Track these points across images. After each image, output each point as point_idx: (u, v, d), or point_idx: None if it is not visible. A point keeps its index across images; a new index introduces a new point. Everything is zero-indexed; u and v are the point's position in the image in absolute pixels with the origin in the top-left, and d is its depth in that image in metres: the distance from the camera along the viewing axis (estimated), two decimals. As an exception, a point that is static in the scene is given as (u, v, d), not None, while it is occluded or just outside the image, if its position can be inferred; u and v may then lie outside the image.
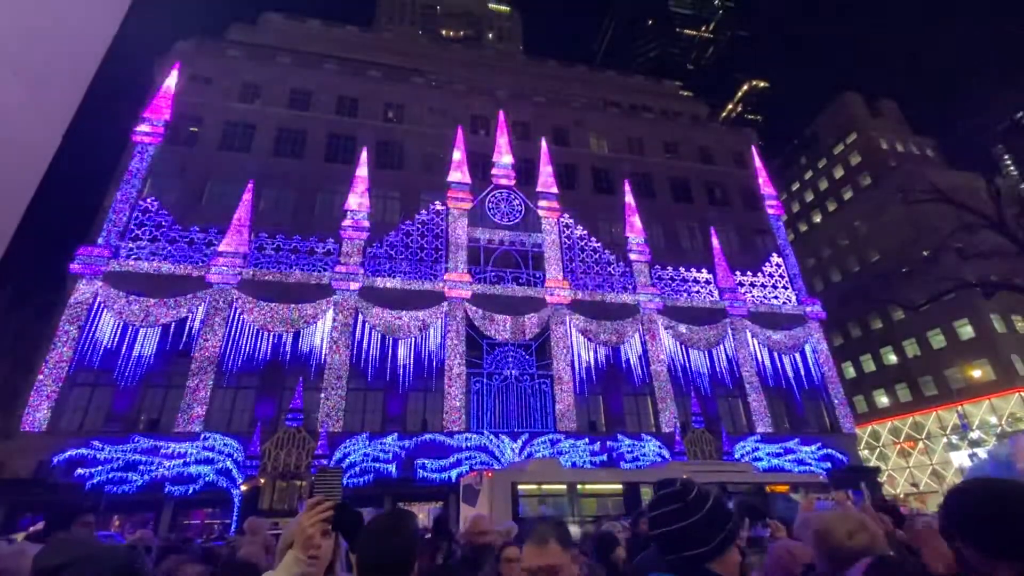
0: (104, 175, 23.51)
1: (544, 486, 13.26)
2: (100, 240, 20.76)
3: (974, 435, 34.77)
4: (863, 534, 1.97)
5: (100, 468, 17.27)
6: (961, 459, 35.13)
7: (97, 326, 19.46)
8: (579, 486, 13.73)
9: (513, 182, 27.83)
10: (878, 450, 42.44)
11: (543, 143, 29.32)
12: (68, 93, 1.50)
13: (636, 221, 28.04)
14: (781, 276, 29.37)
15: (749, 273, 28.88)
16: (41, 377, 18.23)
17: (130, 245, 21.30)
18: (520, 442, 21.39)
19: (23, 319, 30.73)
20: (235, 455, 18.52)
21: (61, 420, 18.38)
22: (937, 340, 39.09)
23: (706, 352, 25.58)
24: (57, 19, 1.41)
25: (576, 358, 23.95)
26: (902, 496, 37.39)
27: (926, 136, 53.25)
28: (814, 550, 2.13)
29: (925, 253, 34.81)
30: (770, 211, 31.84)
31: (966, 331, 37.28)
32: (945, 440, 37.71)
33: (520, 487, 12.45)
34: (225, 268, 21.40)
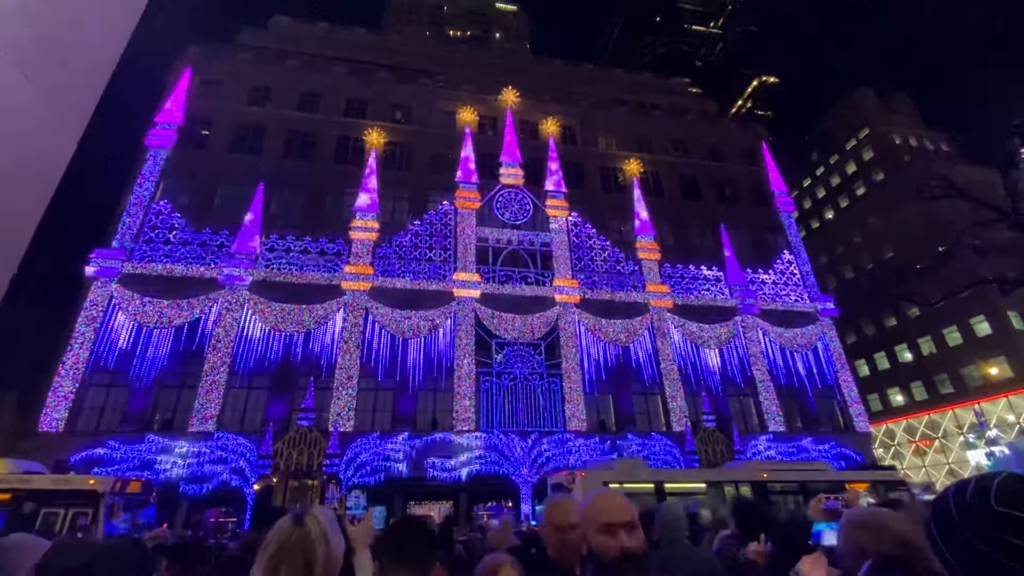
0: (118, 179, 23.89)
1: (633, 485, 13.75)
2: (115, 243, 21.08)
3: (991, 433, 34.20)
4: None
5: (116, 468, 17.54)
6: (978, 458, 34.59)
7: (112, 327, 19.78)
8: (666, 485, 14.30)
9: (521, 181, 27.82)
10: (893, 449, 41.91)
11: (551, 142, 29.28)
12: (83, 99, 1.53)
13: (645, 219, 27.90)
14: (793, 273, 29.07)
15: (760, 270, 28.64)
16: (58, 378, 18.56)
17: (144, 247, 21.62)
18: (530, 441, 21.40)
19: (41, 321, 31.26)
20: (248, 454, 18.71)
21: (78, 420, 18.71)
22: (953, 337, 38.49)
23: (717, 350, 25.40)
24: (71, 26, 1.44)
25: (585, 357, 23.90)
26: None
27: (940, 130, 52.41)
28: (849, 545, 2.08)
29: (940, 249, 34.29)
30: (781, 208, 31.53)
31: (983, 328, 36.66)
32: (962, 439, 37.15)
33: (611, 486, 12.68)
34: (237, 270, 21.63)
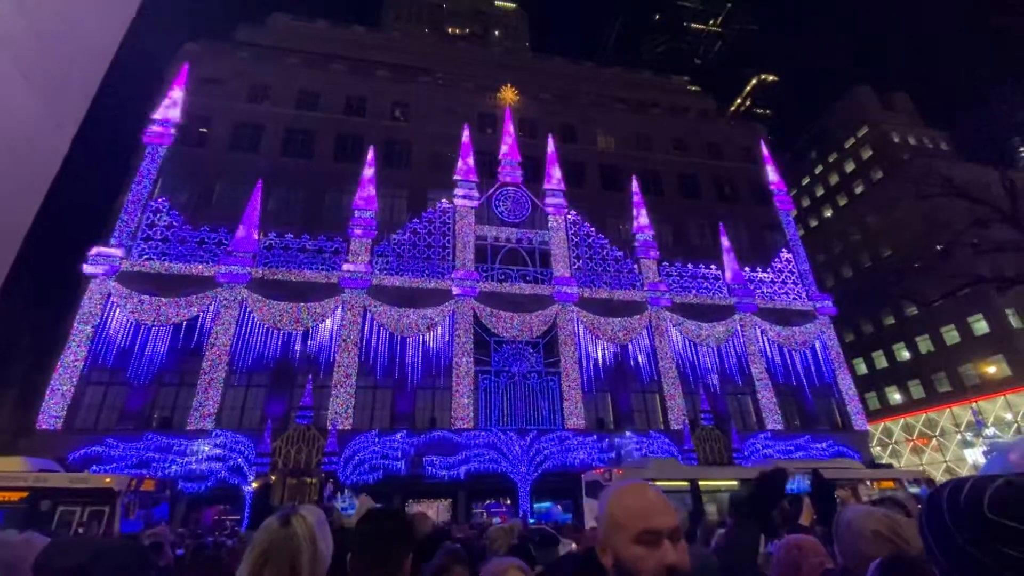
0: (116, 176, 23.81)
1: (670, 482, 14.27)
2: (112, 240, 21.03)
3: (989, 432, 34.29)
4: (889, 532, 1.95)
5: (115, 466, 17.53)
6: (975, 456, 34.70)
7: (110, 325, 19.74)
8: (700, 482, 14.81)
9: (520, 180, 27.79)
10: (891, 447, 42.02)
11: (550, 140, 29.24)
12: (78, 96, 1.52)
13: (644, 217, 27.89)
14: (791, 272, 29.10)
15: (759, 269, 28.65)
16: (56, 376, 18.53)
17: (142, 245, 21.57)
18: (528, 440, 21.41)
19: (39, 319, 31.21)
20: (246, 452, 18.72)
21: (76, 418, 18.68)
22: (951, 336, 38.55)
23: (715, 349, 25.42)
24: (66, 21, 1.43)
25: (584, 355, 23.91)
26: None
27: (939, 129, 52.40)
28: (845, 544, 2.07)
29: (939, 248, 34.32)
30: (780, 206, 31.54)
31: (980, 327, 36.73)
32: (959, 437, 37.24)
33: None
34: (235, 267, 21.59)
